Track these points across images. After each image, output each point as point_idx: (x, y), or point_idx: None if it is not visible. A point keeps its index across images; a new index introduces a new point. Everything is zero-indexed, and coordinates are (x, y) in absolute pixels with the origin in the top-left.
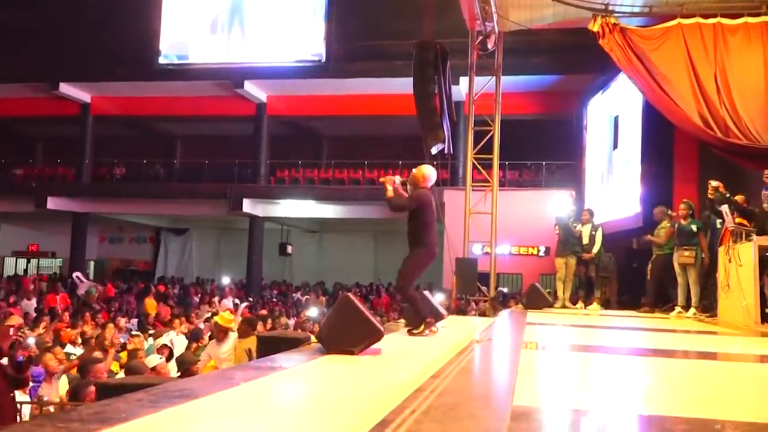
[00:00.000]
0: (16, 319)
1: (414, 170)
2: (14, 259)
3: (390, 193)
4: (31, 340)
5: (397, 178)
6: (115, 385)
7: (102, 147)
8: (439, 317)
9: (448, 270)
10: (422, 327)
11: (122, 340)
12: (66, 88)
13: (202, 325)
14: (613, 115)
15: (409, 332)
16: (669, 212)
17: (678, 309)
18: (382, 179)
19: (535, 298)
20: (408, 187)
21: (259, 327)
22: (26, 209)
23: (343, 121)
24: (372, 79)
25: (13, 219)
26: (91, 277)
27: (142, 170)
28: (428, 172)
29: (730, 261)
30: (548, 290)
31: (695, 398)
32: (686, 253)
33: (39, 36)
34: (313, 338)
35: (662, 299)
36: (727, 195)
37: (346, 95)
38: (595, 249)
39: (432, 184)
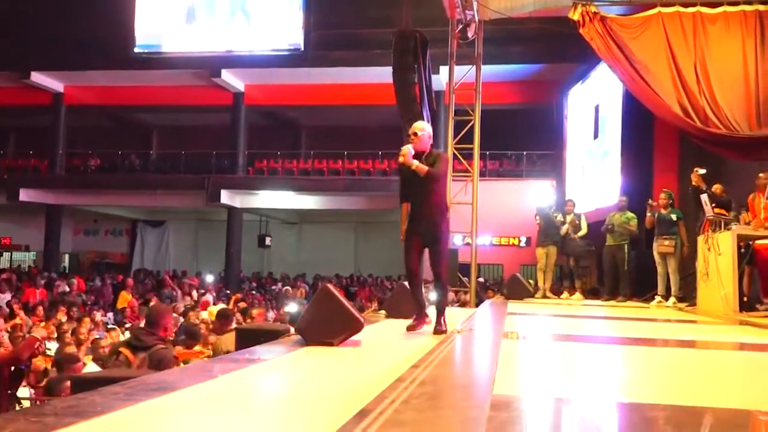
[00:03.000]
0: (41, 331)
1: (419, 131)
2: None
3: (424, 168)
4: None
5: (408, 147)
6: (91, 379)
7: (76, 137)
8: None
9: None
10: (443, 321)
11: (98, 336)
12: (38, 77)
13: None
14: (594, 104)
15: (439, 331)
16: (650, 202)
17: (658, 298)
18: (401, 158)
19: (516, 289)
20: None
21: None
22: None
23: (322, 110)
24: (351, 68)
25: None
26: (66, 270)
27: (117, 161)
28: (430, 129)
29: (709, 250)
30: (530, 280)
31: (676, 386)
32: (666, 243)
33: (9, 24)
34: (292, 330)
35: (616, 289)
36: (704, 187)
37: (324, 84)
38: (582, 232)
39: None
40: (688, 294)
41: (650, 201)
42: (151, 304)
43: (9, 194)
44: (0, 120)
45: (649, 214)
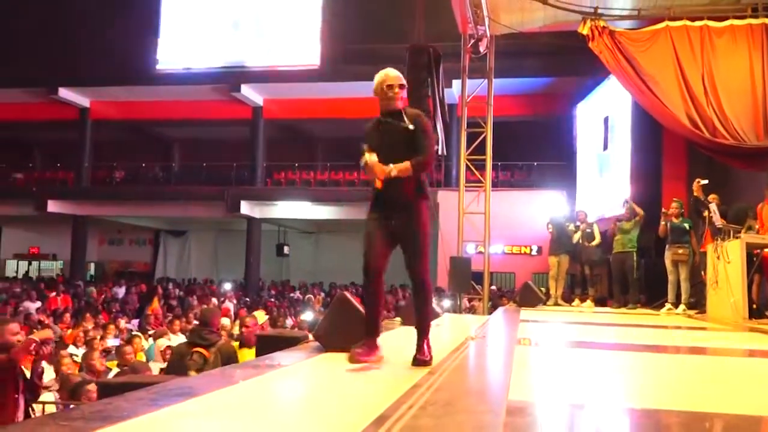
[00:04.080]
0: (43, 333)
1: (401, 80)
2: (15, 261)
3: (406, 170)
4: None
5: (373, 157)
6: (117, 384)
7: (101, 151)
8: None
9: (442, 269)
10: (426, 346)
11: (114, 343)
12: (65, 93)
13: None
14: (603, 115)
15: (422, 362)
16: (664, 210)
17: (668, 305)
18: (378, 184)
19: (529, 296)
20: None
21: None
22: (27, 212)
23: (337, 123)
24: (366, 82)
25: (14, 222)
26: (92, 278)
27: (140, 173)
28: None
29: (718, 258)
30: (541, 288)
31: (687, 392)
32: (680, 251)
33: (38, 42)
34: (310, 336)
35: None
36: (704, 198)
37: (340, 98)
38: (596, 241)
39: None
40: (697, 301)
41: (664, 210)
42: (203, 307)
43: (37, 205)
44: (29, 134)
45: (663, 223)
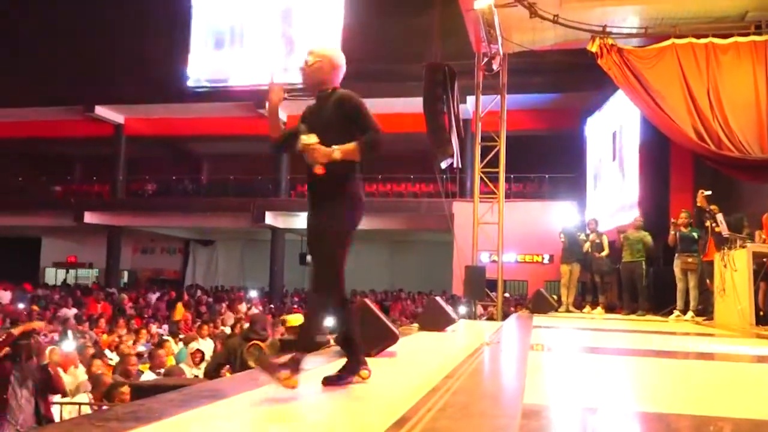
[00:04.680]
0: (29, 326)
1: (317, 54)
2: (54, 269)
3: (352, 152)
4: (71, 346)
5: (312, 138)
6: (149, 386)
7: (134, 165)
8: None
9: (457, 277)
10: (347, 368)
11: (144, 348)
12: (101, 111)
13: (228, 330)
14: (612, 129)
15: (326, 380)
16: (673, 221)
17: (677, 312)
18: (319, 170)
19: (541, 303)
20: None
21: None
22: (65, 223)
23: None
24: (385, 99)
25: (53, 232)
26: (126, 285)
27: (171, 186)
28: (338, 52)
29: (725, 266)
30: (553, 295)
31: (697, 396)
32: (689, 260)
33: (76, 63)
34: (332, 341)
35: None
36: (708, 208)
37: None
38: (604, 253)
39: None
40: (704, 308)
41: (673, 220)
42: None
43: (75, 216)
44: (68, 149)
45: (672, 233)
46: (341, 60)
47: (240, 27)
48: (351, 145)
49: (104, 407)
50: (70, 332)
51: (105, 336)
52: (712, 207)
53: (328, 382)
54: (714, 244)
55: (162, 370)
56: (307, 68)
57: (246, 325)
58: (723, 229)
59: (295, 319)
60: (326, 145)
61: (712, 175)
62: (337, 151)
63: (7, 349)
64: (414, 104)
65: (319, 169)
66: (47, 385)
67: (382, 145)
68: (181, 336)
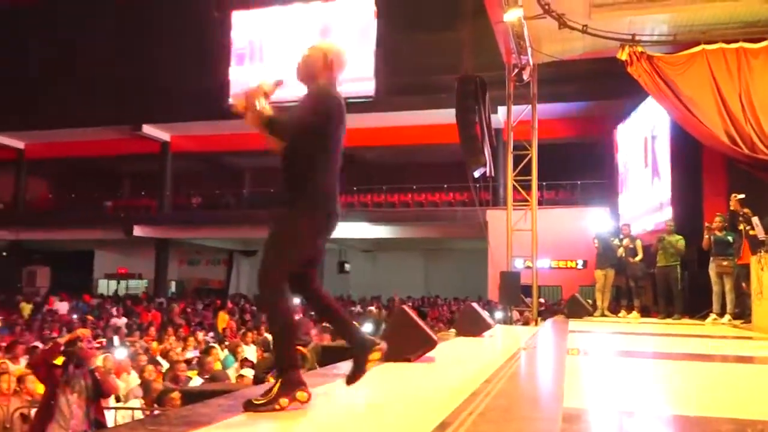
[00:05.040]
0: (84, 331)
1: (313, 47)
2: (106, 280)
3: (269, 110)
4: (123, 353)
5: (266, 84)
6: (198, 392)
7: (180, 180)
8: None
9: (493, 283)
10: (275, 389)
11: (192, 355)
12: (148, 129)
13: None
14: (643, 135)
15: (247, 404)
16: (707, 224)
17: (713, 316)
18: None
19: (576, 308)
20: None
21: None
22: (116, 237)
23: (392, 150)
24: (418, 111)
25: (104, 246)
26: (173, 295)
27: (215, 200)
28: (333, 47)
29: (762, 270)
30: (588, 300)
31: (737, 400)
32: (725, 263)
33: (124, 84)
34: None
35: (671, 308)
36: (742, 211)
37: (394, 126)
38: (638, 257)
39: (341, 72)
40: (741, 312)
41: (707, 224)
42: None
43: (125, 230)
44: (117, 166)
45: (706, 236)
46: (338, 56)
47: (276, 44)
48: (269, 112)
49: (156, 412)
50: (116, 338)
51: (155, 344)
52: (746, 210)
53: (249, 407)
54: (749, 247)
55: (207, 376)
56: (301, 61)
57: None
58: (759, 231)
59: None
60: (290, 147)
61: (746, 178)
62: (265, 107)
63: (61, 357)
64: (446, 115)
65: (272, 146)
66: (96, 389)
67: (288, 135)
68: (227, 343)
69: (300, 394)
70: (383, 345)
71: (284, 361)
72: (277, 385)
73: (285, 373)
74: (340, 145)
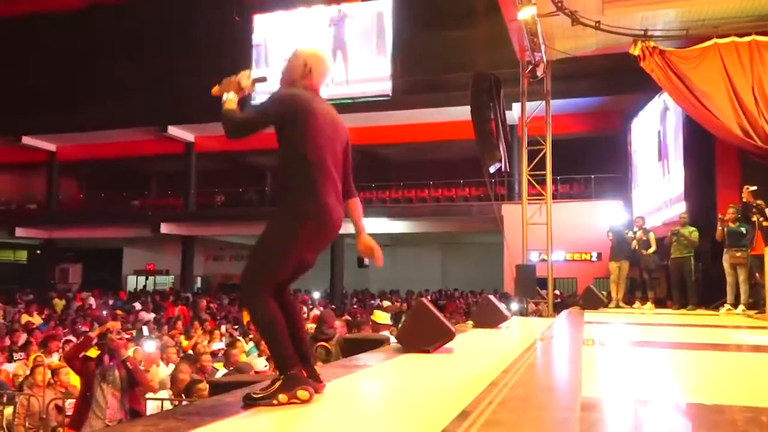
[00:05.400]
0: (114, 324)
1: (294, 53)
2: (135, 276)
3: (230, 104)
4: (152, 346)
5: (246, 76)
6: (225, 383)
7: (204, 179)
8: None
9: (509, 276)
10: (276, 385)
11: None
12: (174, 131)
13: None
14: (656, 128)
15: (246, 397)
16: (720, 216)
17: (727, 306)
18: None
19: (591, 299)
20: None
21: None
22: (144, 234)
23: (409, 147)
24: (434, 109)
25: (133, 243)
26: (199, 290)
27: (238, 198)
28: (315, 54)
29: None
30: (603, 291)
31: (753, 388)
32: (738, 254)
33: (151, 87)
34: (392, 339)
35: (685, 299)
36: (755, 203)
37: (411, 124)
38: (651, 250)
39: (323, 78)
40: (755, 302)
41: (720, 216)
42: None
43: (152, 228)
44: (144, 167)
45: (719, 228)
46: (318, 63)
47: (294, 45)
48: (229, 97)
49: (184, 403)
50: (144, 329)
51: (182, 337)
52: (759, 202)
53: (248, 400)
54: (762, 238)
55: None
56: (283, 67)
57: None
58: None
59: (381, 316)
60: (278, 154)
61: (759, 169)
62: (232, 99)
63: (95, 350)
64: (461, 113)
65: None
66: (130, 379)
67: (229, 128)
68: (251, 336)
69: (301, 393)
70: (321, 387)
71: (278, 361)
72: (278, 382)
73: (283, 372)
74: (323, 146)
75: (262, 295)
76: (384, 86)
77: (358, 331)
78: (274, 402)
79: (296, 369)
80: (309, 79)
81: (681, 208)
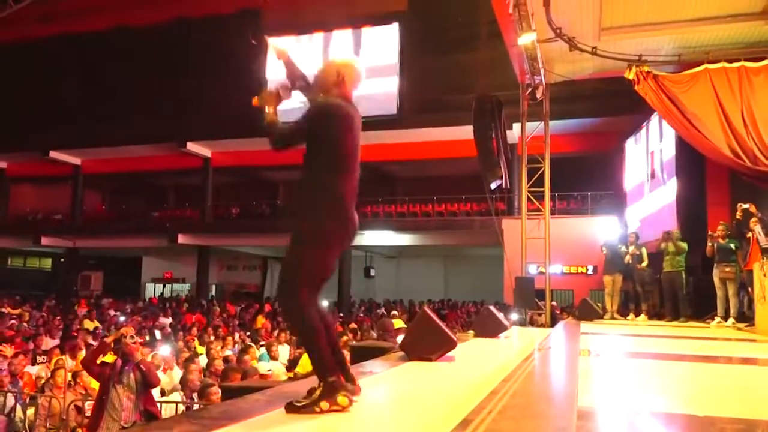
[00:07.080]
0: (129, 330)
1: (327, 63)
2: (153, 284)
3: (271, 116)
4: (167, 350)
5: (283, 89)
6: (236, 388)
7: (220, 192)
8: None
9: (508, 287)
10: (317, 393)
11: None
12: (191, 146)
13: None
14: (650, 148)
15: (289, 405)
16: (710, 233)
17: (718, 319)
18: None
19: (587, 311)
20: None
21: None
22: (162, 244)
23: (414, 164)
24: (438, 128)
25: (151, 252)
26: (213, 298)
27: (252, 210)
28: (348, 64)
29: (765, 275)
30: (598, 303)
31: (743, 400)
32: (727, 269)
33: (169, 105)
34: (397, 347)
35: (677, 312)
36: (759, 215)
37: (416, 142)
38: (644, 264)
39: (356, 86)
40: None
41: (711, 232)
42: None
43: (170, 238)
44: (163, 180)
45: (710, 244)
46: (351, 72)
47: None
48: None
49: (198, 406)
50: (157, 332)
51: (196, 342)
52: (753, 220)
53: (290, 409)
54: (760, 253)
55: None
56: (315, 76)
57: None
58: (762, 240)
59: (399, 322)
60: (304, 156)
61: (748, 188)
62: (271, 112)
63: (112, 355)
64: (465, 132)
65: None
66: (144, 381)
67: (278, 138)
68: (262, 342)
69: (341, 399)
70: (357, 390)
71: (319, 369)
72: (319, 389)
73: (324, 379)
74: (354, 153)
75: (303, 306)
76: (391, 106)
77: (362, 338)
78: (316, 410)
79: (336, 376)
80: (342, 87)
81: (672, 223)
